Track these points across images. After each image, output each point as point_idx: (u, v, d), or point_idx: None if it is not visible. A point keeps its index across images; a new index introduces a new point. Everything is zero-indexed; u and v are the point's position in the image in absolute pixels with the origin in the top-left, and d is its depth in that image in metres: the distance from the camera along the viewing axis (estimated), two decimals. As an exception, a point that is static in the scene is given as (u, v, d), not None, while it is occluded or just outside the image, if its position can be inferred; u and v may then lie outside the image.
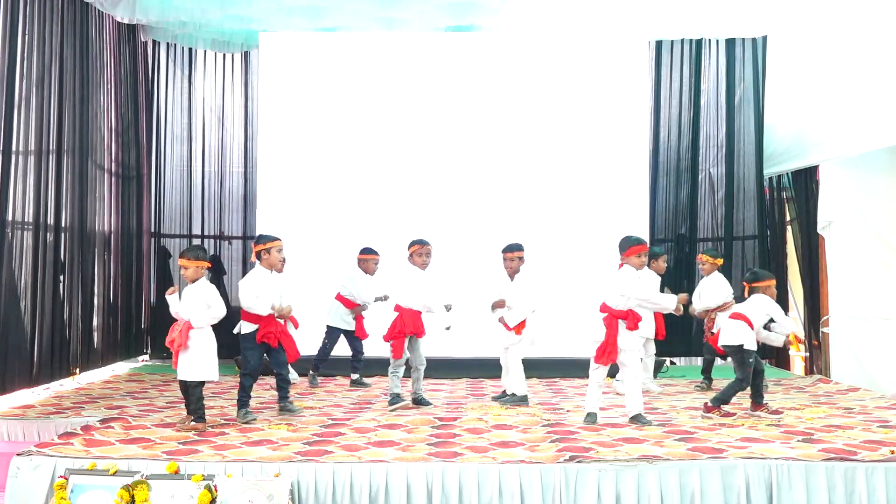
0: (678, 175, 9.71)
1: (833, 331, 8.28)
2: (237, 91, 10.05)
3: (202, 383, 5.42)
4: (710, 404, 5.87)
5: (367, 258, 7.54)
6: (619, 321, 5.53)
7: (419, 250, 6.40)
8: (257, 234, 9.11)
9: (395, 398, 6.28)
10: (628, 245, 5.62)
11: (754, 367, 5.87)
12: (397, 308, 6.36)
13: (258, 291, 5.74)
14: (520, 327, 6.38)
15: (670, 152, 9.73)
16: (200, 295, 5.35)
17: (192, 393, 5.38)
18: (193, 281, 5.39)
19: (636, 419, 5.59)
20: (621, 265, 5.66)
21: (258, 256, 5.87)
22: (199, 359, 5.32)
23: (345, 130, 9.11)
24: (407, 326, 6.27)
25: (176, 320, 5.38)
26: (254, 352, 5.79)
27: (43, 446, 4.73)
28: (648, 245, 5.79)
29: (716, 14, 8.93)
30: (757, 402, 5.92)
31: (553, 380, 7.56)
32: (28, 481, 4.40)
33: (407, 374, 6.52)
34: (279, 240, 5.94)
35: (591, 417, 5.61)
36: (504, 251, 6.52)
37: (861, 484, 4.33)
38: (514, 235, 8.63)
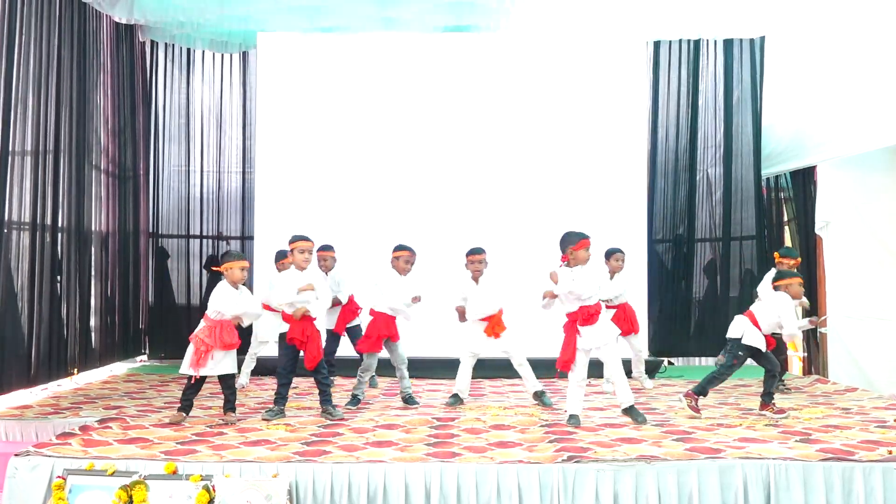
0: (676, 175, 9.71)
1: (831, 331, 8.29)
2: (235, 91, 10.03)
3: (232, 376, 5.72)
4: (690, 391, 5.95)
5: (323, 255, 7.27)
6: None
7: (406, 257, 6.40)
8: (255, 234, 9.16)
9: (352, 399, 6.35)
10: (578, 239, 5.66)
11: (769, 370, 5.92)
12: (372, 312, 6.40)
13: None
14: (492, 328, 6.36)
15: (668, 153, 9.73)
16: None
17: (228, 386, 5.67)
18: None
19: (629, 412, 5.61)
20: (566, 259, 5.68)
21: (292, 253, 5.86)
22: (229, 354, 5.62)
23: (343, 131, 9.10)
24: (381, 330, 6.29)
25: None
26: (285, 352, 5.84)
27: (41, 446, 4.72)
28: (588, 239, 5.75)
29: (714, 14, 8.94)
30: (765, 401, 5.91)
31: (551, 380, 7.54)
32: (26, 481, 4.39)
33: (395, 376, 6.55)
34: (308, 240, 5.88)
35: (573, 420, 5.58)
36: (469, 254, 6.46)
37: (859, 484, 4.34)
38: (512, 235, 8.68)
